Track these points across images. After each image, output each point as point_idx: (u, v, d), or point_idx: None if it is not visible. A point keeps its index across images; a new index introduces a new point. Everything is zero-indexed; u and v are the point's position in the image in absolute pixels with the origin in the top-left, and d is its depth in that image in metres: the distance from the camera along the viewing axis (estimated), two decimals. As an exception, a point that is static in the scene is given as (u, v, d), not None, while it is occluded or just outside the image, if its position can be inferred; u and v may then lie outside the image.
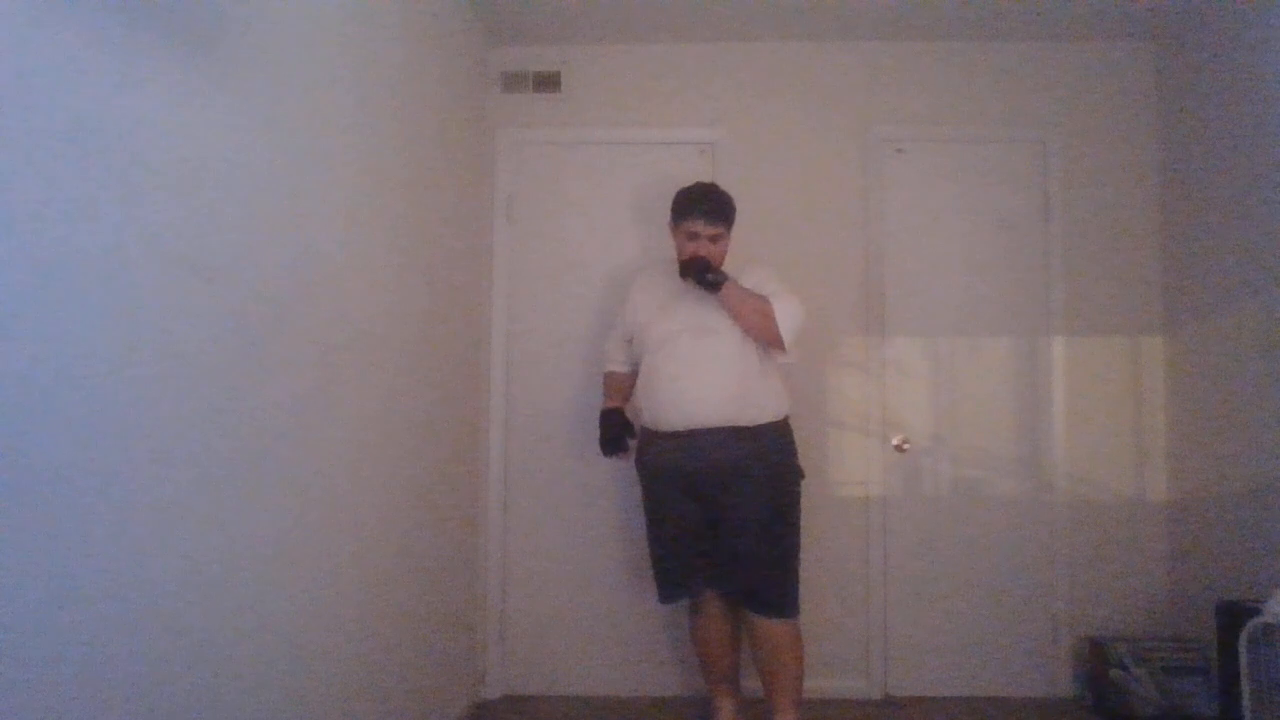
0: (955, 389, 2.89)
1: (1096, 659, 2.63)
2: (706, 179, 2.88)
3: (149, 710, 1.06)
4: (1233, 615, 2.15)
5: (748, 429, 2.18)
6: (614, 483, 2.83)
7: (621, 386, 2.46)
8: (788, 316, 2.19)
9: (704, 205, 2.25)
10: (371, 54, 1.86)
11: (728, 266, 2.28)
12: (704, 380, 2.18)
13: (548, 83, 2.94)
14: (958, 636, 2.80)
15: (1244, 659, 1.86)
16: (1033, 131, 2.90)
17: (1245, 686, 1.86)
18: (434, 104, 2.33)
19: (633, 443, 2.37)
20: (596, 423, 2.41)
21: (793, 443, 2.29)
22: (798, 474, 2.28)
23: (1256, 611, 1.87)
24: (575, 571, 2.84)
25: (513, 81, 2.95)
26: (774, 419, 2.23)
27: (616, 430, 2.36)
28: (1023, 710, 2.67)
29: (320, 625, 1.57)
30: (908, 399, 2.86)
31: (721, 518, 2.20)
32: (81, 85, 0.95)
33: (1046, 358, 2.85)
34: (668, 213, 2.35)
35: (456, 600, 2.55)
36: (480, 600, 2.81)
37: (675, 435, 2.20)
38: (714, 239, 2.25)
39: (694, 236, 2.24)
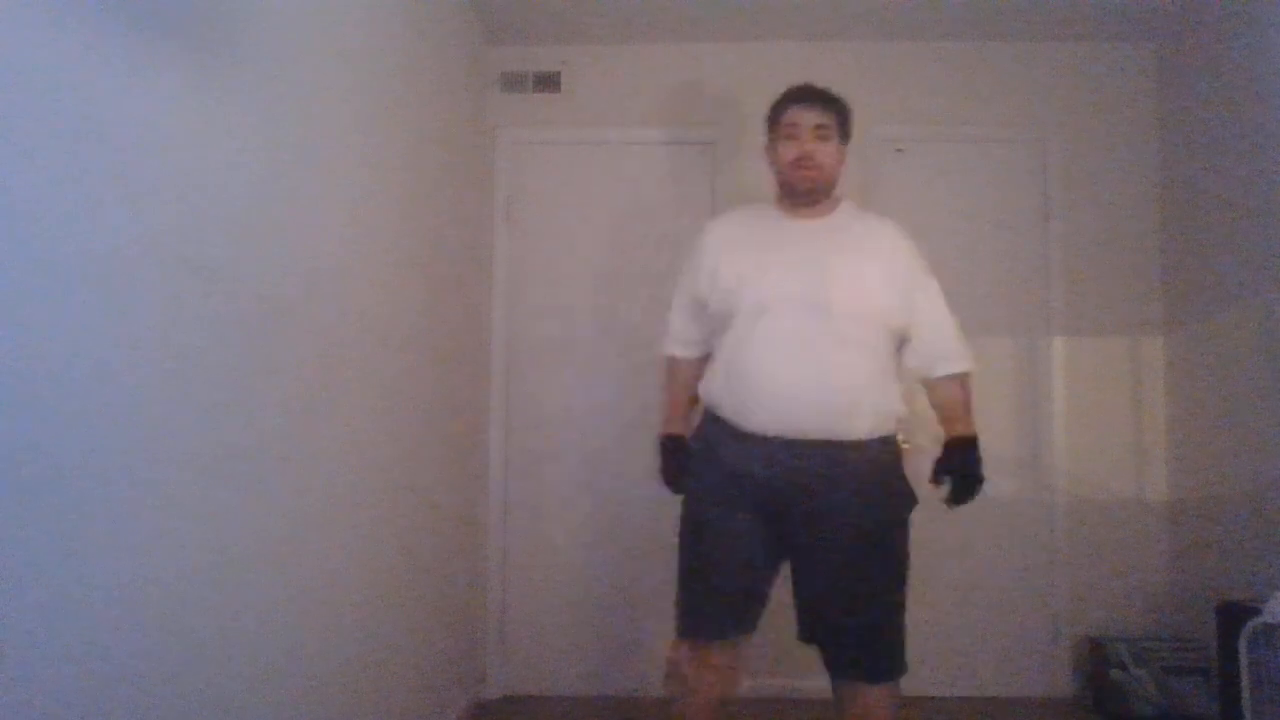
0: (955, 389, 2.88)
1: (1096, 659, 2.63)
2: (706, 179, 2.90)
3: (149, 710, 1.06)
4: (1233, 615, 2.15)
5: (864, 443, 1.67)
6: (615, 483, 2.83)
7: (686, 385, 1.89)
8: (962, 343, 1.84)
9: (804, 88, 1.79)
10: (371, 54, 1.86)
11: (845, 215, 1.80)
12: (816, 374, 1.63)
13: (548, 83, 2.94)
14: (958, 636, 2.80)
15: (1244, 659, 1.86)
16: (1033, 131, 2.90)
17: (1245, 686, 1.86)
18: (434, 104, 2.33)
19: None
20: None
21: (902, 459, 1.81)
22: (912, 499, 1.79)
23: (1256, 611, 1.86)
24: (575, 571, 2.84)
25: (513, 81, 2.95)
26: (892, 431, 1.76)
27: (680, 462, 1.85)
28: (1023, 710, 2.67)
29: (320, 625, 1.57)
30: (908, 399, 2.85)
31: (812, 554, 1.68)
32: (83, 86, 0.95)
33: (1046, 358, 2.85)
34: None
35: (456, 600, 2.55)
36: (480, 600, 2.81)
37: (765, 440, 1.65)
38: (820, 134, 1.74)
39: (794, 134, 1.75)
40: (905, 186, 2.91)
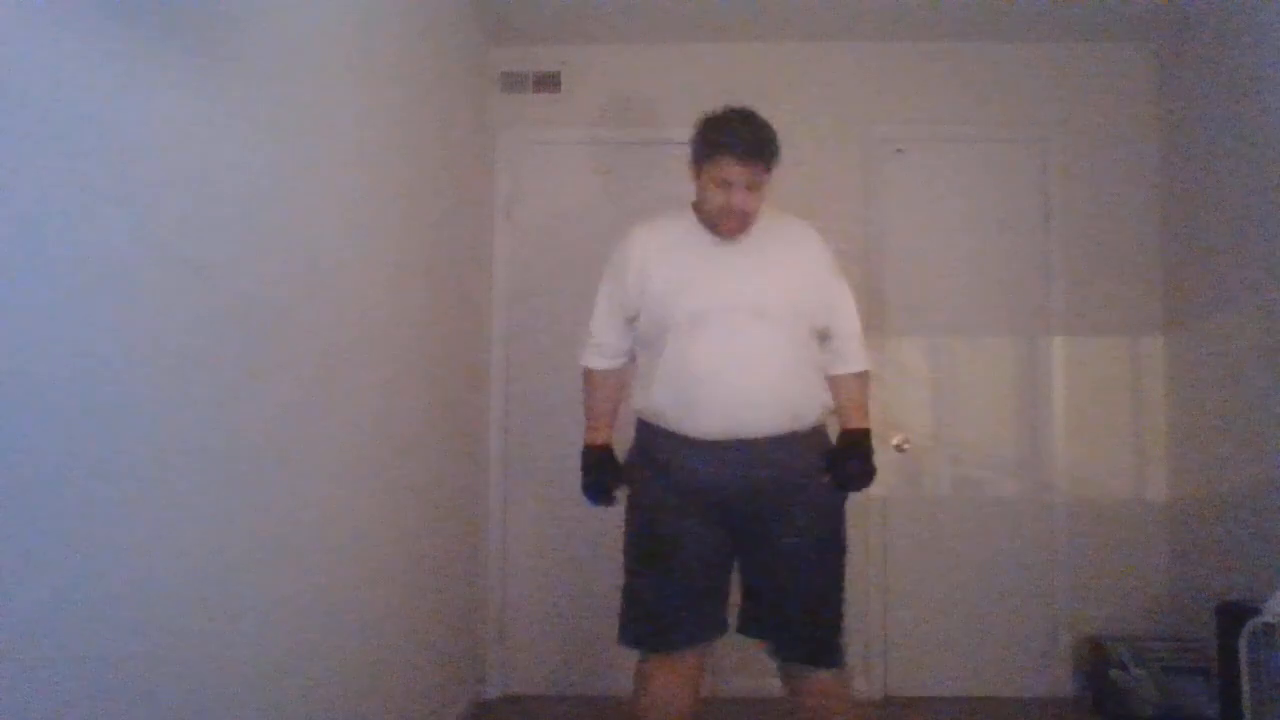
0: (955, 389, 2.88)
1: (1096, 659, 2.63)
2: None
3: (149, 710, 1.06)
4: (1233, 615, 2.15)
5: (801, 434, 1.76)
6: (614, 483, 2.83)
7: (611, 396, 1.92)
8: (861, 344, 1.89)
9: (741, 137, 1.73)
10: (372, 54, 1.86)
11: (766, 222, 1.81)
12: (758, 377, 1.71)
13: (548, 83, 2.94)
14: (958, 636, 2.80)
15: (1244, 659, 1.86)
16: (1033, 131, 2.90)
17: (1245, 686, 1.86)
18: (434, 104, 2.33)
19: (621, 493, 1.89)
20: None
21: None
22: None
23: (1256, 611, 1.86)
24: (575, 571, 2.84)
25: (513, 81, 2.95)
26: (822, 420, 1.83)
27: (606, 476, 1.88)
28: (1023, 710, 2.67)
29: (320, 625, 1.57)
30: (908, 399, 2.86)
31: (767, 548, 1.75)
32: (83, 86, 0.95)
33: (1046, 358, 2.85)
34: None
35: (456, 600, 2.55)
36: (480, 600, 2.81)
37: (714, 445, 1.71)
38: (752, 185, 1.72)
39: (726, 185, 1.71)
40: (905, 186, 2.91)
